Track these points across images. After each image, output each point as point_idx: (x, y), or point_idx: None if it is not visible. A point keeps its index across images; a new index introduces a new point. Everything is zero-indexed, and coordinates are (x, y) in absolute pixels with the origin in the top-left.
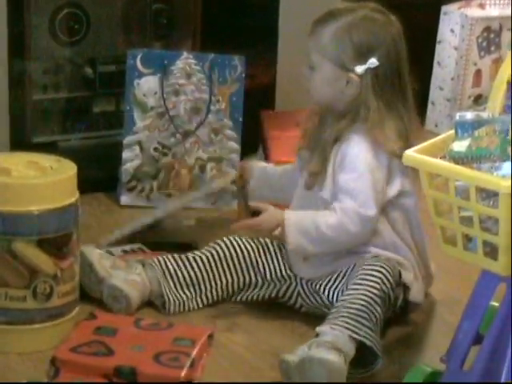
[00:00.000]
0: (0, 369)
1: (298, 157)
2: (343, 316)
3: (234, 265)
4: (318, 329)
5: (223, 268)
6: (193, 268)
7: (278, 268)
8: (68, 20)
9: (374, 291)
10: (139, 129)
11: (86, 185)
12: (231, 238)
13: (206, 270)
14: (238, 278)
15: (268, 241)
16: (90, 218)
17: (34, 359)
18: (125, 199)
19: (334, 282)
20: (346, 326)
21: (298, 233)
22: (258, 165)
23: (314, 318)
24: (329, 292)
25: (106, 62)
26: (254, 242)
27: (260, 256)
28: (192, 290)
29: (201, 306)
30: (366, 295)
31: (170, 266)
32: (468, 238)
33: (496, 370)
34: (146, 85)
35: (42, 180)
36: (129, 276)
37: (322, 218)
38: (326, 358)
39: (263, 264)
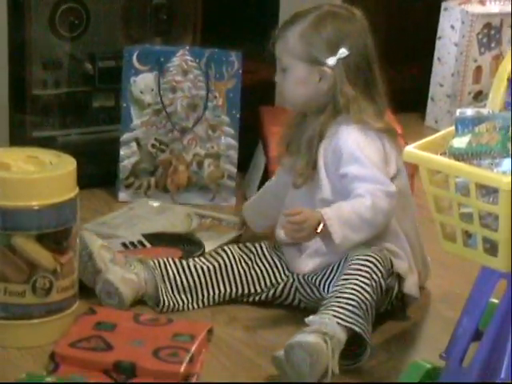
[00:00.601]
0: None
1: (281, 167)
2: (333, 305)
3: (234, 275)
4: (307, 319)
5: (222, 277)
6: (192, 275)
7: (276, 273)
8: (68, 15)
9: (364, 280)
10: (136, 126)
11: (85, 180)
12: (231, 248)
13: (205, 278)
14: (237, 288)
15: (264, 248)
16: (89, 214)
17: (33, 354)
18: (123, 196)
19: (329, 275)
20: (334, 313)
21: (341, 225)
22: (245, 206)
23: (314, 313)
24: (324, 285)
25: (106, 57)
26: (252, 252)
27: (258, 265)
28: (189, 295)
29: (196, 309)
30: (355, 284)
31: (170, 271)
32: (468, 235)
33: (495, 367)
34: (143, 82)
35: (42, 175)
36: (126, 274)
37: (358, 204)
38: (305, 340)
39: (261, 272)
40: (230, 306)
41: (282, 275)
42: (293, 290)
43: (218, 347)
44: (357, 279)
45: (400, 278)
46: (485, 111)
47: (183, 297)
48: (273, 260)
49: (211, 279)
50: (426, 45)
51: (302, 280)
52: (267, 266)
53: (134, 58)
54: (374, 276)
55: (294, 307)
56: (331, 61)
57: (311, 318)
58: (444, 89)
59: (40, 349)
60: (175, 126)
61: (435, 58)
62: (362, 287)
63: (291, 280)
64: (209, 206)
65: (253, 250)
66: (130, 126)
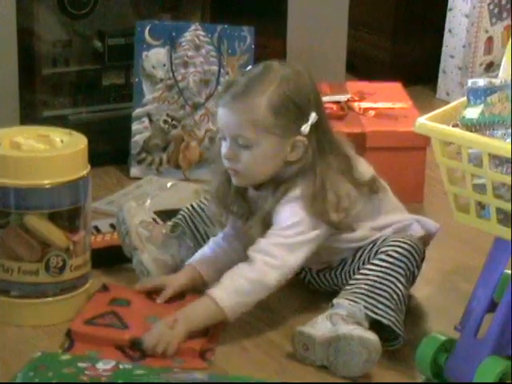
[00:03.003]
0: (14, 342)
1: (231, 222)
2: (363, 293)
3: None
4: (335, 301)
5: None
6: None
7: None
8: None
9: (399, 270)
10: (148, 101)
11: (97, 158)
12: None
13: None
14: None
15: None
16: (101, 192)
17: (48, 332)
18: (134, 171)
19: (352, 261)
20: (366, 305)
21: (229, 294)
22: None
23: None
24: (346, 271)
25: (115, 34)
26: None
27: None
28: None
29: None
30: (389, 274)
31: (197, 223)
32: (481, 206)
33: (510, 338)
34: (155, 57)
35: (53, 153)
36: (160, 255)
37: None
38: (367, 337)
39: None
40: None
41: None
42: (305, 282)
43: (235, 325)
44: (392, 269)
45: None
46: (497, 81)
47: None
48: None
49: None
50: (437, 17)
51: (315, 275)
52: None
53: (146, 32)
54: (410, 266)
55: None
56: (306, 129)
57: (340, 301)
58: (455, 61)
59: (54, 327)
60: (187, 102)
61: (446, 29)
62: (396, 278)
63: (303, 273)
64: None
65: None
66: (141, 101)
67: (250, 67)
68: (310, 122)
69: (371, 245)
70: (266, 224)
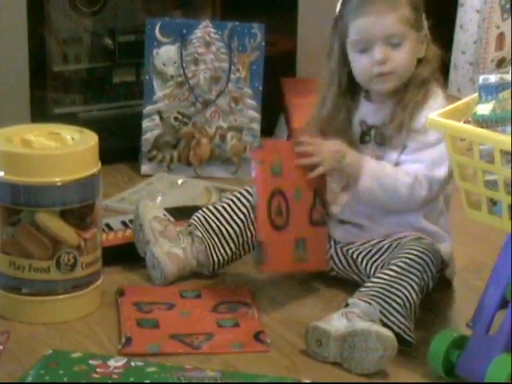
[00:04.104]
0: (26, 339)
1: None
2: (380, 297)
3: None
4: (350, 301)
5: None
6: (234, 221)
7: None
8: None
9: (415, 279)
10: (159, 98)
11: (107, 156)
12: None
13: (245, 222)
14: None
15: None
16: (112, 189)
17: (59, 329)
18: (145, 169)
19: (374, 254)
20: (381, 309)
21: (373, 177)
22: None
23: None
24: (367, 263)
25: (126, 31)
26: None
27: None
28: (236, 241)
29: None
30: (405, 281)
31: (212, 222)
32: (493, 202)
33: None
34: (166, 54)
35: (64, 151)
36: (172, 248)
37: (401, 175)
38: (385, 333)
39: None
40: (254, 281)
41: None
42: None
43: None
44: (409, 277)
45: (443, 263)
46: (508, 77)
47: (231, 245)
48: None
49: (252, 221)
50: (448, 12)
51: (338, 250)
52: None
53: (157, 30)
54: (425, 276)
55: (322, 277)
56: (425, 23)
57: (356, 301)
58: (466, 56)
59: (66, 324)
60: (198, 99)
61: (457, 25)
62: (411, 286)
63: (327, 246)
64: (232, 179)
65: None
66: (152, 98)
67: None
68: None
69: (396, 242)
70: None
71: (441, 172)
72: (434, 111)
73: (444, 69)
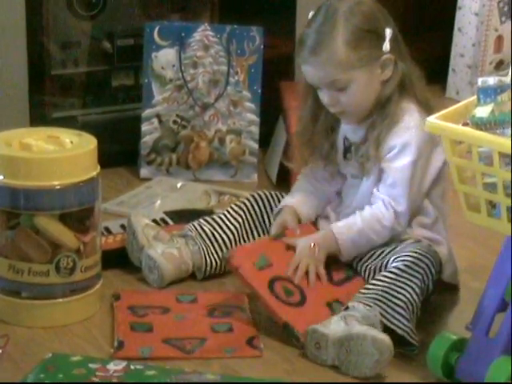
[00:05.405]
0: (25, 342)
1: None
2: (381, 301)
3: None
4: (349, 304)
5: (256, 228)
6: (229, 229)
7: None
8: None
9: (416, 281)
10: (158, 101)
11: (106, 159)
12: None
13: (242, 230)
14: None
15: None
16: (111, 193)
17: (58, 333)
18: (144, 172)
19: (368, 259)
20: (382, 312)
21: (350, 246)
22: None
23: None
24: (361, 269)
25: (125, 35)
26: None
27: None
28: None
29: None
30: (407, 284)
31: (206, 229)
32: (492, 205)
33: None
34: (164, 57)
35: (63, 154)
36: (167, 249)
37: (373, 223)
38: (380, 338)
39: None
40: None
41: None
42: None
43: None
44: (410, 279)
45: (441, 266)
46: (507, 79)
47: (225, 251)
48: None
49: (246, 230)
50: (446, 15)
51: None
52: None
53: (155, 33)
54: (426, 278)
55: None
56: (386, 46)
57: (356, 304)
58: (465, 59)
59: (65, 328)
60: (197, 102)
61: (455, 28)
62: (413, 289)
63: None
64: (230, 182)
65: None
66: (151, 101)
67: (311, 14)
68: (387, 39)
69: (394, 246)
70: (379, 143)
71: (400, 205)
72: (411, 128)
73: (442, 72)
